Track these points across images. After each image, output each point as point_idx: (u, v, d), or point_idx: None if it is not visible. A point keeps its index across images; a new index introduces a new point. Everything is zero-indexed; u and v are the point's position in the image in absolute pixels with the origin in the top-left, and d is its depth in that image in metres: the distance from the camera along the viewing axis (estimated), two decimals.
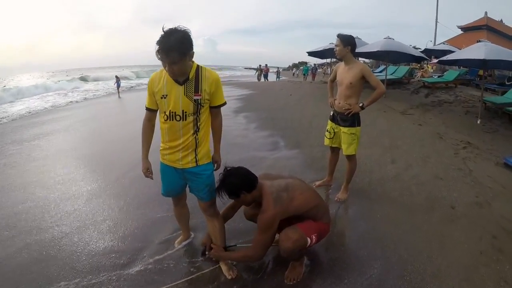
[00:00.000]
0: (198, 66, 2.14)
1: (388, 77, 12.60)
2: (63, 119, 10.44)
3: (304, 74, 26.57)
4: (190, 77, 2.09)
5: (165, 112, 2.16)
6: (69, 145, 6.71)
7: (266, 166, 4.66)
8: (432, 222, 3.32)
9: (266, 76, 23.88)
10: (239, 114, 8.34)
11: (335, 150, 3.86)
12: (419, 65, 17.79)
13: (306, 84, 16.05)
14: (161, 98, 2.13)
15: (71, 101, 17.04)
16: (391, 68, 14.52)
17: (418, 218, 3.39)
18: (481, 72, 13.98)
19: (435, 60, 16.00)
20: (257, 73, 24.49)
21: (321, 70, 32.52)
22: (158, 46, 1.87)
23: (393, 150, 5.44)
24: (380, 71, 15.44)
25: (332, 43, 16.36)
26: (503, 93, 11.46)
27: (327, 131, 3.78)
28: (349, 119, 3.47)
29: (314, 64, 32.05)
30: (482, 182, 4.44)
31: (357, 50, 12.40)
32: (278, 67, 33.60)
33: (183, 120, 2.15)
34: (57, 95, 20.86)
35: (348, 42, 3.33)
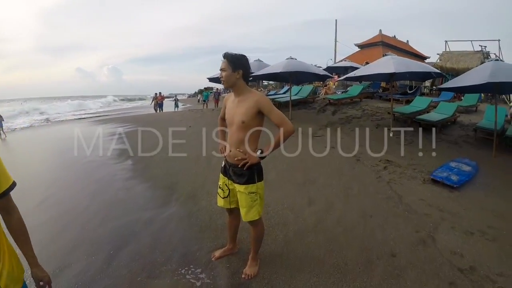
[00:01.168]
0: None
1: (293, 97, 12.51)
2: None
3: (204, 101, 25.00)
4: None
5: None
6: None
7: (150, 237, 3.46)
8: (375, 285, 2.60)
9: (161, 106, 21.66)
10: (125, 159, 6.89)
11: (235, 212, 2.88)
12: (322, 82, 18.44)
13: (208, 112, 15.00)
14: None
15: None
16: (295, 89, 14.63)
17: (356, 283, 2.62)
18: (383, 84, 14.88)
19: (338, 77, 16.73)
20: (153, 103, 22.17)
21: (226, 94, 32.06)
22: None
23: (309, 186, 4.76)
24: (284, 92, 15.50)
25: None
26: (407, 102, 12.18)
27: (220, 187, 2.81)
28: (246, 173, 2.55)
29: (217, 89, 31.32)
30: (417, 209, 3.99)
31: (259, 72, 11.94)
32: (175, 94, 30.45)
33: None
34: None
35: (239, 64, 2.49)
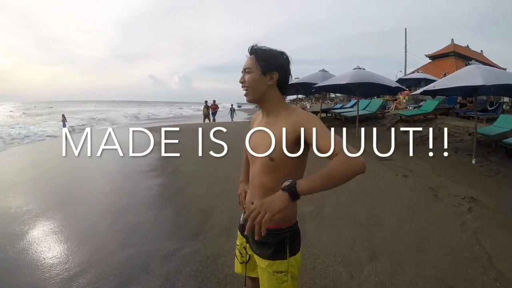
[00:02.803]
0: None
1: (361, 112, 11.34)
2: None
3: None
4: None
5: None
6: None
7: (162, 279, 2.79)
8: None
9: (213, 115, 19.65)
10: (169, 173, 6.33)
11: (258, 280, 1.74)
12: (392, 96, 16.82)
13: None
14: None
15: None
16: (363, 102, 13.27)
17: None
18: (459, 99, 13.04)
19: (409, 91, 15.08)
20: (203, 112, 19.87)
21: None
22: None
23: (372, 231, 3.75)
24: (351, 106, 14.28)
25: (298, 78, 14.72)
26: (488, 120, 10.39)
27: (237, 248, 1.78)
28: (272, 242, 1.49)
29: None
30: None
31: (322, 83, 10.83)
32: (232, 104, 26.28)
33: None
34: None
35: (273, 63, 1.45)
